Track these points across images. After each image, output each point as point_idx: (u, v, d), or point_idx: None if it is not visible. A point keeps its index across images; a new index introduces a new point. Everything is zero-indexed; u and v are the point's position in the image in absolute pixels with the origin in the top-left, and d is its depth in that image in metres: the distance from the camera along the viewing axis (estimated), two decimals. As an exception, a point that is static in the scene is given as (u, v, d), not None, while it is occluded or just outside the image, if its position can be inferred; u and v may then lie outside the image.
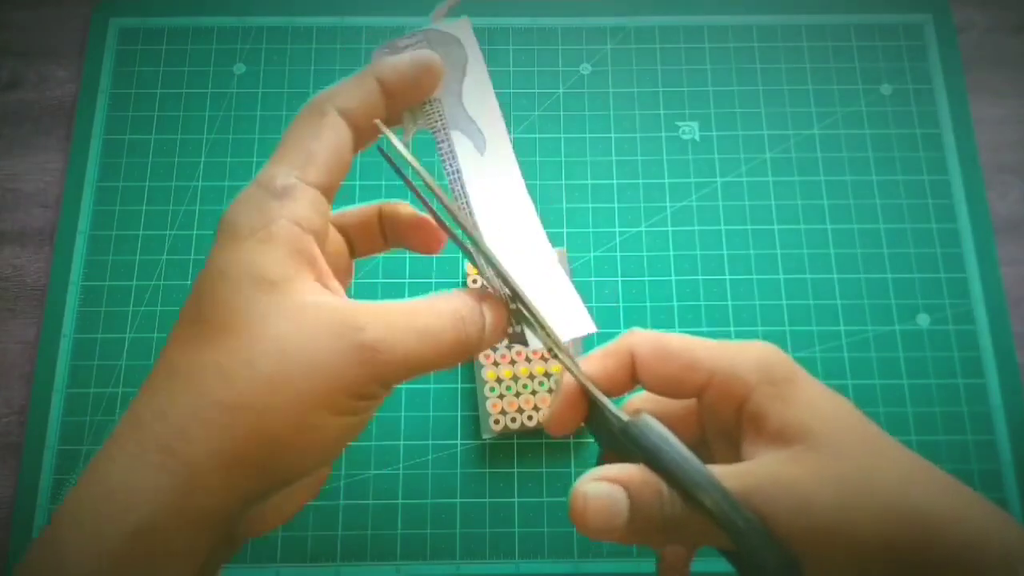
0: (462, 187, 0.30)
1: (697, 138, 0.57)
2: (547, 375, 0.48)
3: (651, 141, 0.57)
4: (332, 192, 0.28)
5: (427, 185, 0.28)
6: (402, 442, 0.50)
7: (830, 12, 0.60)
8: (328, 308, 0.25)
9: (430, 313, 0.26)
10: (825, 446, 0.26)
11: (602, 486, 0.25)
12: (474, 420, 0.50)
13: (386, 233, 0.31)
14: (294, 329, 0.24)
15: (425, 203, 0.29)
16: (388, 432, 0.50)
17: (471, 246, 0.29)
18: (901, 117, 0.57)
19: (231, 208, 0.26)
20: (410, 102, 0.30)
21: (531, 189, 0.58)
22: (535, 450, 0.49)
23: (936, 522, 0.25)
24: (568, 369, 0.29)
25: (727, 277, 0.53)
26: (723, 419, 0.28)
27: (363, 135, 0.29)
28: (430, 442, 0.50)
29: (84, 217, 0.55)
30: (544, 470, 0.49)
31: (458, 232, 0.29)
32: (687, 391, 0.29)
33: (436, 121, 0.30)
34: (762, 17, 0.60)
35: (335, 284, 0.27)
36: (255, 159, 0.56)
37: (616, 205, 0.55)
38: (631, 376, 0.29)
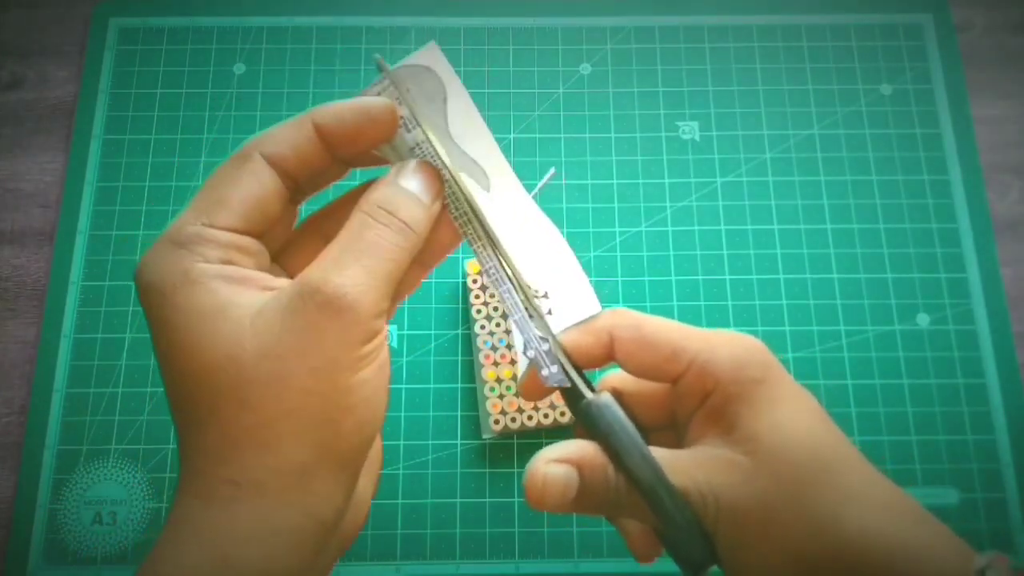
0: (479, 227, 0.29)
1: (697, 138, 0.57)
2: (547, 375, 0.48)
3: (651, 141, 0.57)
4: (262, 238, 0.27)
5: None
6: (402, 442, 0.50)
7: (830, 12, 0.60)
8: (282, 295, 0.25)
9: (360, 228, 0.26)
10: (765, 457, 0.26)
11: (559, 468, 0.27)
12: (474, 420, 0.50)
13: (334, 146, 0.28)
14: (265, 330, 0.24)
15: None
16: (388, 432, 0.50)
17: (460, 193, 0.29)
18: (901, 117, 0.57)
19: (144, 267, 0.25)
20: (354, 151, 0.28)
21: (531, 190, 0.58)
22: (535, 450, 0.49)
23: (867, 545, 0.25)
24: (545, 338, 0.29)
25: (727, 277, 0.53)
26: (688, 407, 0.29)
27: (299, 184, 0.28)
28: (430, 442, 0.50)
29: (84, 217, 0.55)
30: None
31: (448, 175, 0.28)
32: (663, 378, 0.29)
33: (434, 162, 0.29)
34: (762, 17, 0.60)
35: (283, 281, 0.26)
36: (255, 159, 0.56)
37: (616, 205, 0.55)
38: (607, 355, 0.29)
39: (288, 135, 0.27)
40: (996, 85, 0.59)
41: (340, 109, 0.27)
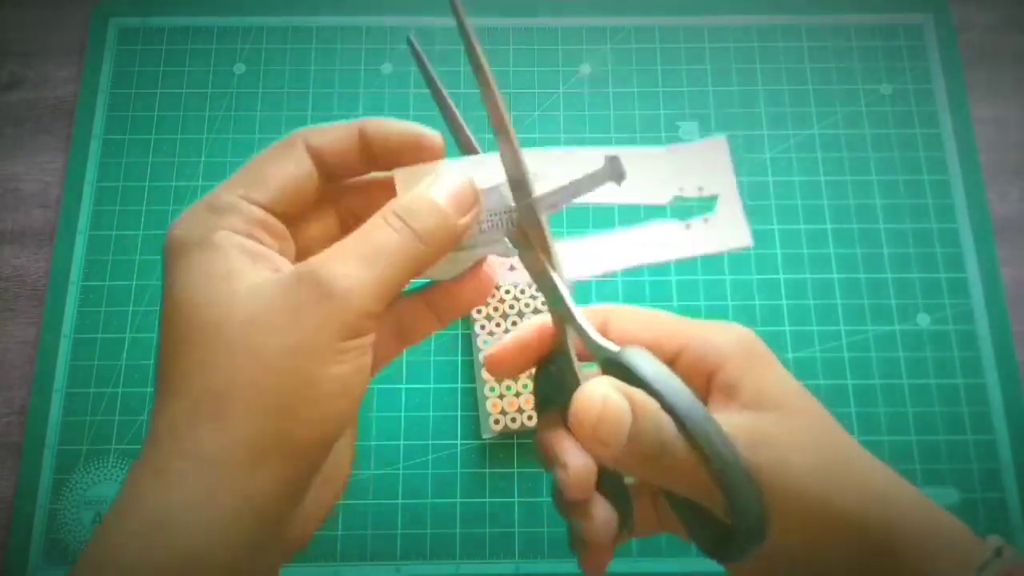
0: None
1: (697, 138, 0.57)
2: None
3: (651, 141, 0.57)
4: (287, 218, 0.28)
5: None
6: (402, 442, 0.50)
7: (830, 12, 0.60)
8: (284, 274, 0.25)
9: (373, 227, 0.26)
10: (802, 415, 0.27)
11: (619, 394, 0.25)
12: (474, 420, 0.50)
13: (374, 156, 0.29)
14: (256, 303, 0.24)
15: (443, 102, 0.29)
16: (388, 432, 0.50)
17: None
18: (901, 117, 0.57)
19: (174, 225, 0.27)
20: (387, 165, 0.29)
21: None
22: (535, 450, 0.49)
23: (900, 507, 0.26)
24: (559, 296, 0.28)
25: (727, 277, 0.53)
26: (691, 385, 0.28)
27: (331, 176, 0.29)
28: (430, 442, 0.50)
29: (84, 217, 0.55)
30: (544, 470, 0.49)
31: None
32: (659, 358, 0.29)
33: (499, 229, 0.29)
34: (762, 17, 0.60)
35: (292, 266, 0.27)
36: (255, 159, 0.56)
37: (616, 205, 0.55)
38: (602, 330, 0.29)
39: (335, 134, 0.28)
40: (996, 85, 0.59)
41: (389, 127, 0.28)
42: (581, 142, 0.57)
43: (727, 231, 0.30)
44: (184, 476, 0.23)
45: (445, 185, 0.27)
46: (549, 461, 0.30)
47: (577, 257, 0.27)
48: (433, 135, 0.29)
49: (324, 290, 0.24)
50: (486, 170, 0.28)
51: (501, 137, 0.28)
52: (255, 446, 0.24)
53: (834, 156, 0.56)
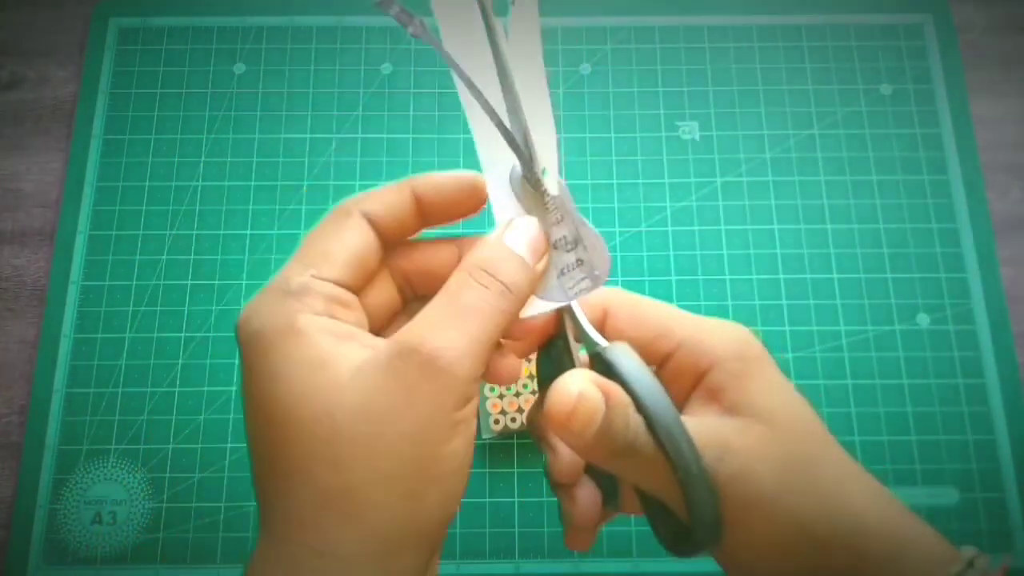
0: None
1: (697, 138, 0.57)
2: (547, 375, 0.48)
3: (651, 141, 0.57)
4: (359, 292, 0.27)
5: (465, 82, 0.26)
6: (402, 442, 0.50)
7: (830, 12, 0.60)
8: (380, 353, 0.24)
9: (460, 289, 0.26)
10: (776, 425, 0.26)
11: (594, 389, 0.25)
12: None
13: (427, 213, 0.29)
14: (363, 388, 0.24)
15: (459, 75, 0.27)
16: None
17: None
18: (901, 117, 0.57)
19: (250, 315, 0.25)
20: (444, 219, 0.29)
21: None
22: (535, 450, 0.49)
23: (867, 523, 0.26)
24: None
25: (727, 277, 0.53)
26: (681, 387, 0.29)
27: (388, 241, 0.28)
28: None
29: (84, 217, 0.55)
30: (544, 470, 0.49)
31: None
32: (652, 357, 0.29)
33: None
34: (762, 17, 0.60)
35: (382, 340, 0.26)
36: (255, 159, 0.56)
37: (616, 205, 0.55)
38: (599, 328, 0.29)
39: (387, 198, 0.28)
40: (996, 85, 0.59)
41: (439, 180, 0.28)
42: (581, 142, 0.57)
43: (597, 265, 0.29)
44: (321, 573, 0.23)
45: (520, 232, 0.27)
46: (541, 442, 0.31)
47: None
48: (477, 177, 0.28)
49: (432, 367, 0.24)
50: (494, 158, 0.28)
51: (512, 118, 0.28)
52: (388, 537, 0.23)
53: (834, 156, 0.56)
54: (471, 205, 0.28)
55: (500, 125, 0.27)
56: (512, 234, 0.27)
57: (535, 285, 0.27)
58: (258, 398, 0.25)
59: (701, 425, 0.26)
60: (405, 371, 0.24)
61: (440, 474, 0.24)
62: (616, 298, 0.30)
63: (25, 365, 0.52)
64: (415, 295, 0.30)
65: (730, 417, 0.27)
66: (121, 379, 0.51)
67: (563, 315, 0.29)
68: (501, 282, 0.26)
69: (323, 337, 0.25)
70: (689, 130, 0.57)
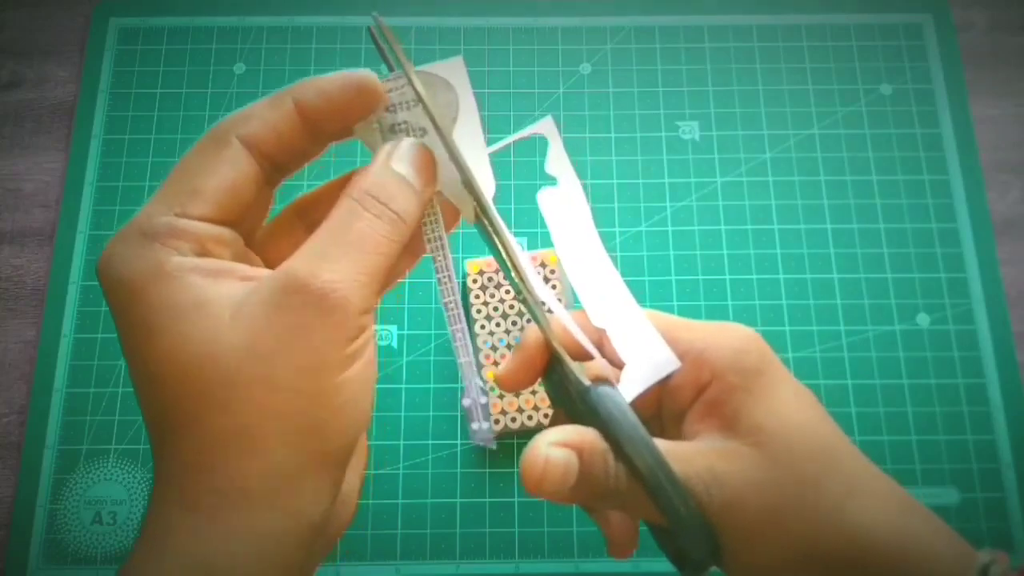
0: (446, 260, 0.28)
1: (697, 138, 0.57)
2: (547, 375, 0.48)
3: (651, 141, 0.57)
4: (237, 225, 0.26)
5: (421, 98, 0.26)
6: (402, 442, 0.50)
7: (830, 12, 0.60)
8: (264, 288, 0.23)
9: (349, 218, 0.24)
10: (771, 447, 0.26)
11: (560, 452, 0.25)
12: (474, 420, 0.50)
13: (317, 125, 0.26)
14: (247, 327, 0.23)
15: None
16: (388, 432, 0.50)
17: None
18: (901, 117, 0.57)
19: (110, 261, 0.24)
20: (336, 130, 0.27)
21: (531, 189, 0.58)
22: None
23: (872, 539, 0.25)
24: (538, 323, 0.28)
25: (727, 277, 0.53)
26: (681, 400, 0.28)
27: (278, 166, 0.26)
28: (430, 442, 0.50)
29: (84, 217, 0.55)
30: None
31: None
32: None
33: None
34: (762, 17, 0.60)
35: (262, 271, 0.25)
36: (255, 159, 0.56)
37: (616, 205, 0.55)
38: (598, 346, 0.29)
39: (267, 114, 0.26)
40: (996, 85, 0.59)
41: (324, 84, 0.26)
42: (581, 142, 0.57)
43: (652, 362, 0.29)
44: (218, 511, 0.22)
45: (406, 156, 0.26)
46: None
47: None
48: (367, 75, 0.26)
49: (322, 305, 0.23)
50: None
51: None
52: (289, 470, 0.23)
53: (834, 156, 0.56)
54: (363, 106, 0.26)
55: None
56: (398, 158, 0.26)
57: (423, 211, 0.26)
58: (136, 349, 0.23)
59: (689, 453, 0.26)
60: (293, 307, 0.23)
61: (338, 404, 0.23)
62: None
63: (25, 365, 0.52)
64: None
65: (724, 437, 0.26)
66: (121, 379, 0.51)
67: (551, 350, 0.29)
68: (392, 210, 0.25)
69: (194, 278, 0.23)
70: (689, 130, 0.57)
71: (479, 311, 0.50)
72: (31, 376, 0.51)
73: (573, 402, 0.27)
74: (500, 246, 0.28)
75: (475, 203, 0.27)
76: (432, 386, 0.51)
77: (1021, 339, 0.52)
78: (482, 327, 0.50)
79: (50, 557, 0.48)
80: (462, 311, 0.28)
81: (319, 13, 0.60)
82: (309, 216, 0.28)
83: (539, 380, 0.30)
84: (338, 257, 0.23)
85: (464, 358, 0.28)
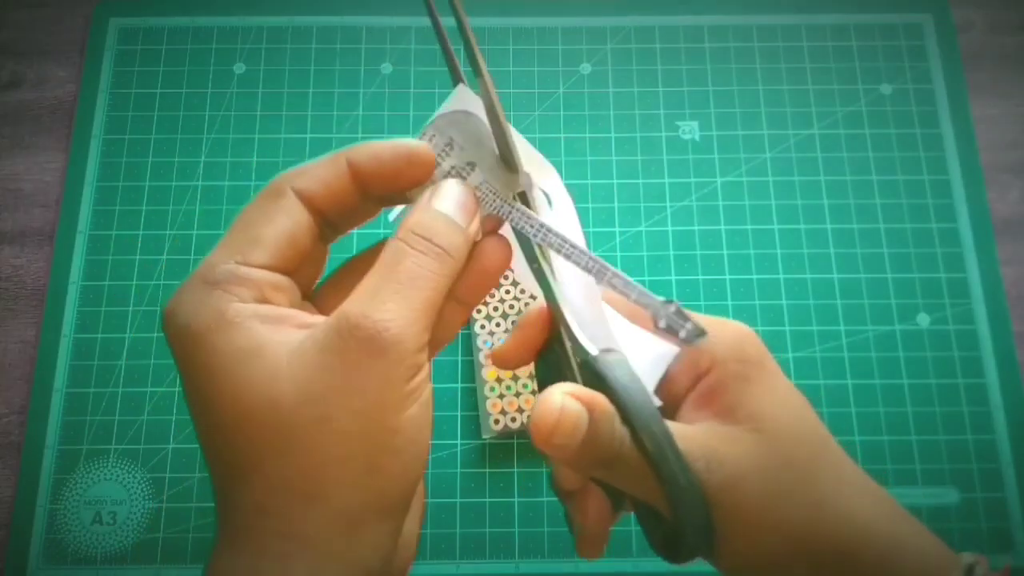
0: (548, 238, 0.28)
1: (697, 138, 0.57)
2: (547, 375, 0.48)
3: (651, 141, 0.57)
4: (294, 275, 0.26)
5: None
6: (402, 442, 0.50)
7: (830, 12, 0.60)
8: (319, 333, 0.24)
9: (396, 258, 0.25)
10: (769, 433, 0.26)
11: (576, 403, 0.25)
12: (474, 420, 0.50)
13: (366, 185, 0.27)
14: (304, 372, 0.23)
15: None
16: (388, 432, 0.50)
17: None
18: (901, 117, 0.57)
19: (176, 309, 0.24)
20: (388, 192, 0.27)
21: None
22: (535, 450, 0.49)
23: (864, 531, 0.25)
24: (547, 290, 0.28)
25: (727, 277, 0.53)
26: (677, 387, 0.28)
27: (331, 223, 0.27)
28: (430, 442, 0.50)
29: (84, 217, 0.55)
30: (544, 470, 0.49)
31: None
32: None
33: (495, 205, 0.28)
34: (762, 17, 0.60)
35: (319, 317, 0.25)
36: (255, 159, 0.56)
37: (616, 205, 0.55)
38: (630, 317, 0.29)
39: (321, 172, 0.26)
40: (996, 85, 0.59)
41: (377, 149, 0.27)
42: (581, 142, 0.57)
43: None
44: (288, 556, 0.22)
45: (448, 195, 0.26)
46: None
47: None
48: (422, 147, 0.27)
49: (376, 342, 0.23)
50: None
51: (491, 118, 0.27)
52: (352, 513, 0.23)
53: (834, 156, 0.56)
54: (413, 175, 0.27)
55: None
56: (440, 198, 0.26)
57: (470, 245, 0.27)
58: (198, 396, 0.24)
59: (691, 433, 0.26)
60: (347, 349, 0.23)
61: (397, 445, 0.23)
62: (614, 295, 0.29)
63: (25, 365, 0.52)
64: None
65: (723, 423, 0.26)
66: (121, 379, 0.51)
67: (558, 320, 0.29)
68: (438, 246, 0.25)
69: (254, 324, 0.24)
70: (689, 130, 0.57)
71: (479, 311, 0.50)
72: (31, 376, 0.51)
73: (570, 378, 0.27)
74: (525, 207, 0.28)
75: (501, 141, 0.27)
76: (432, 386, 0.51)
77: (1021, 339, 0.52)
78: (482, 327, 0.50)
79: (50, 557, 0.48)
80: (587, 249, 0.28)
81: (319, 13, 0.60)
82: (362, 272, 0.29)
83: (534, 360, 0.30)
84: (388, 296, 0.24)
85: (634, 292, 0.27)
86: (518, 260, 0.29)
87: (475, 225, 0.27)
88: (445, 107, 0.28)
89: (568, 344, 0.28)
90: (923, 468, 0.50)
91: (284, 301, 0.25)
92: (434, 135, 0.28)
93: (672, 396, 0.29)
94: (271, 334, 0.24)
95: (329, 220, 0.27)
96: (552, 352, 0.29)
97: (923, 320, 0.53)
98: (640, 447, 0.25)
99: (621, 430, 0.25)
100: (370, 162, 0.26)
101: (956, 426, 0.50)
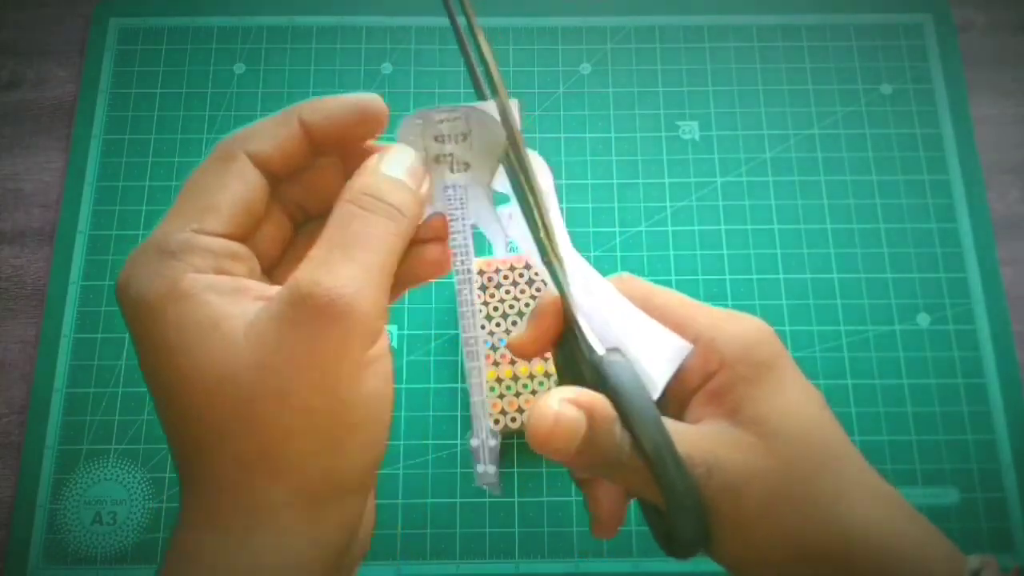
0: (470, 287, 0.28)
1: (697, 138, 0.57)
2: (547, 375, 0.48)
3: (651, 141, 0.57)
4: (251, 242, 0.26)
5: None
6: (402, 442, 0.50)
7: (830, 12, 0.60)
8: (273, 305, 0.23)
9: (346, 220, 0.24)
10: (772, 438, 0.26)
11: (572, 409, 0.25)
12: (474, 420, 0.50)
13: (318, 143, 0.26)
14: (259, 345, 0.22)
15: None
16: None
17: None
18: (901, 117, 0.57)
19: (129, 279, 0.24)
20: (341, 148, 0.27)
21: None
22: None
23: (864, 539, 0.25)
24: (558, 285, 0.28)
25: (727, 277, 0.53)
26: (687, 385, 0.28)
27: (282, 180, 0.26)
28: (430, 442, 0.50)
29: (84, 217, 0.55)
30: (544, 470, 0.49)
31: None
32: None
33: (455, 208, 0.27)
34: (762, 17, 0.60)
35: (276, 288, 0.24)
36: (255, 159, 0.56)
37: (616, 205, 0.55)
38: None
39: (272, 132, 0.26)
40: (996, 85, 0.59)
41: (329, 104, 0.26)
42: (581, 142, 0.57)
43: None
44: (250, 531, 0.22)
45: (398, 160, 0.26)
46: None
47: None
48: (372, 99, 0.26)
49: (327, 312, 0.22)
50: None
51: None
52: (315, 490, 0.23)
53: (834, 156, 0.56)
54: (366, 130, 0.26)
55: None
56: (389, 162, 0.25)
57: (422, 206, 0.26)
58: (154, 371, 0.23)
59: (694, 436, 0.26)
60: (300, 319, 0.22)
61: (358, 420, 0.23)
62: (628, 288, 0.28)
63: (25, 365, 0.52)
64: (307, 217, 0.28)
65: (727, 425, 0.26)
66: (121, 379, 0.51)
67: (569, 315, 0.29)
68: (388, 203, 0.24)
69: (210, 296, 0.23)
70: (689, 130, 0.57)
71: (479, 311, 0.50)
72: (31, 376, 0.51)
73: (583, 374, 0.27)
74: (530, 197, 0.27)
75: (507, 141, 0.27)
76: (432, 386, 0.51)
77: (1021, 339, 0.52)
78: (482, 327, 0.50)
79: (50, 557, 0.48)
80: (483, 346, 0.28)
81: (319, 13, 0.60)
82: (283, 196, 0.28)
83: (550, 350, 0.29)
84: (339, 261, 0.23)
85: (477, 397, 0.28)
86: (534, 251, 0.28)
87: (425, 187, 0.26)
88: (484, 105, 0.27)
89: (581, 335, 0.28)
90: (923, 468, 0.50)
91: (242, 271, 0.25)
92: (457, 117, 0.27)
93: (681, 392, 0.28)
94: (228, 307, 0.23)
95: (281, 180, 0.26)
96: (568, 342, 0.29)
97: (923, 320, 0.53)
98: (640, 452, 0.25)
99: (622, 434, 0.25)
100: (321, 119, 0.26)
101: (956, 426, 0.50)
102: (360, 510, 0.25)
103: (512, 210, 0.28)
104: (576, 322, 0.28)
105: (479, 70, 0.27)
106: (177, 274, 0.23)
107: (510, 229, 0.28)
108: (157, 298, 0.23)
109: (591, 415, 0.25)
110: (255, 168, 0.25)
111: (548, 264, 0.28)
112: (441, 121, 0.27)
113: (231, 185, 0.25)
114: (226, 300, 0.23)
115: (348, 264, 0.23)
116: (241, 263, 0.25)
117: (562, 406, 0.25)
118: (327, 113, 0.26)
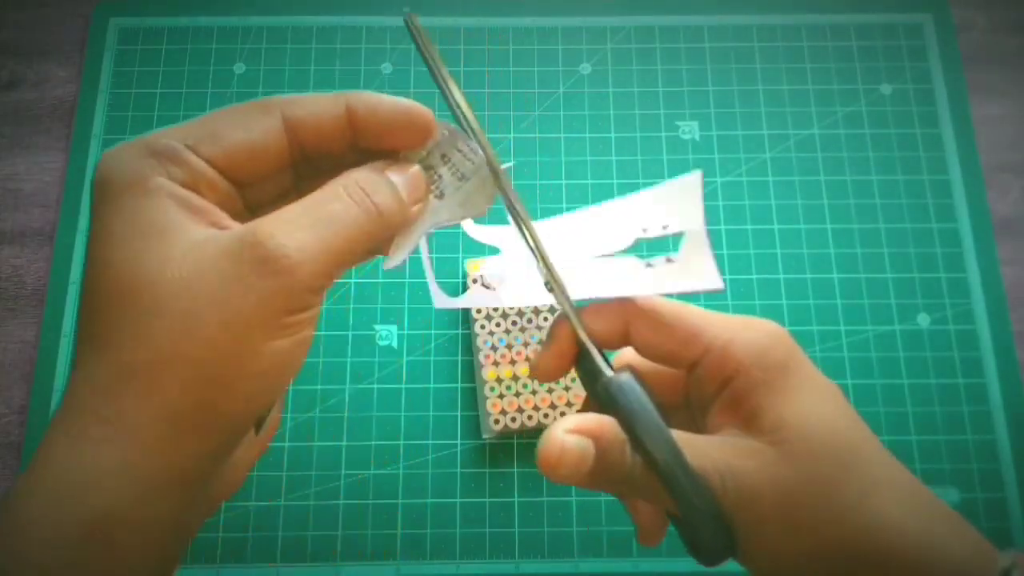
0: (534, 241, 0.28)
1: (697, 138, 0.57)
2: (547, 375, 0.48)
3: (651, 141, 0.57)
4: (236, 180, 0.26)
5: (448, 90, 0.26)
6: (402, 442, 0.50)
7: (830, 12, 0.60)
8: (224, 235, 0.23)
9: (329, 197, 0.25)
10: (789, 445, 0.26)
11: (577, 439, 0.26)
12: (474, 420, 0.50)
13: (360, 133, 0.26)
14: (193, 266, 0.23)
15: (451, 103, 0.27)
16: (388, 432, 0.50)
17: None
18: (901, 117, 0.57)
19: (106, 161, 0.24)
20: (378, 147, 0.27)
21: (531, 189, 0.59)
22: (535, 450, 0.49)
23: (889, 538, 0.25)
24: (566, 313, 0.28)
25: (727, 277, 0.53)
26: (706, 391, 0.28)
27: (309, 159, 0.27)
28: (430, 442, 0.50)
29: (84, 217, 0.55)
30: (544, 470, 0.49)
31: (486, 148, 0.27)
32: (679, 364, 0.29)
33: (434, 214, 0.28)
34: (762, 17, 0.60)
35: (234, 223, 0.25)
36: (255, 159, 0.56)
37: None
38: (622, 340, 0.29)
39: (317, 106, 0.26)
40: (996, 85, 0.59)
41: (379, 101, 0.26)
42: (581, 142, 0.57)
43: (694, 272, 0.29)
44: (101, 443, 0.22)
45: (404, 171, 0.27)
46: None
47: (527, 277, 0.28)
48: (424, 111, 0.26)
49: (271, 263, 0.22)
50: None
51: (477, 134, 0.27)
52: (181, 418, 0.23)
53: (834, 156, 0.56)
54: (409, 137, 0.27)
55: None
56: (397, 171, 0.26)
57: (406, 220, 0.27)
58: (92, 252, 0.24)
59: (707, 448, 0.26)
60: (241, 260, 0.23)
61: (255, 370, 0.23)
62: (640, 310, 0.29)
63: (25, 365, 0.52)
64: (311, 172, 0.28)
65: (744, 433, 0.26)
66: (121, 379, 0.51)
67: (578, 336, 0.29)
68: (373, 202, 0.25)
69: (169, 204, 0.23)
70: (689, 130, 0.57)
71: (479, 311, 0.50)
72: (31, 376, 0.51)
73: (598, 393, 0.28)
74: (528, 235, 0.28)
75: (500, 188, 0.28)
76: (432, 386, 0.51)
77: (1021, 339, 0.52)
78: (482, 327, 0.50)
79: (50, 557, 0.48)
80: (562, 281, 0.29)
81: (319, 13, 0.60)
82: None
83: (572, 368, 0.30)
84: (303, 227, 0.23)
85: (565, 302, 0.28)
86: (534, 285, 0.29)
87: (416, 209, 0.27)
88: (505, 167, 0.28)
89: (592, 353, 0.28)
90: (923, 468, 0.50)
91: (214, 199, 0.25)
92: (473, 160, 0.28)
93: (702, 399, 0.29)
94: (181, 219, 0.23)
95: (308, 156, 0.27)
96: (584, 359, 0.29)
97: (923, 320, 0.53)
98: (653, 470, 0.26)
99: (632, 455, 0.26)
100: (366, 112, 0.26)
101: (956, 426, 0.50)
102: (226, 451, 0.25)
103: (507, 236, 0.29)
104: (584, 346, 0.28)
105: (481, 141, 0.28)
106: (149, 172, 0.24)
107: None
108: (121, 186, 0.24)
109: (599, 439, 0.26)
110: (283, 128, 0.26)
111: (552, 291, 0.28)
112: (460, 150, 0.28)
113: (248, 128, 0.25)
114: (182, 214, 0.24)
115: (308, 233, 0.23)
116: (217, 194, 0.25)
117: (565, 436, 0.26)
118: (373, 106, 0.26)
